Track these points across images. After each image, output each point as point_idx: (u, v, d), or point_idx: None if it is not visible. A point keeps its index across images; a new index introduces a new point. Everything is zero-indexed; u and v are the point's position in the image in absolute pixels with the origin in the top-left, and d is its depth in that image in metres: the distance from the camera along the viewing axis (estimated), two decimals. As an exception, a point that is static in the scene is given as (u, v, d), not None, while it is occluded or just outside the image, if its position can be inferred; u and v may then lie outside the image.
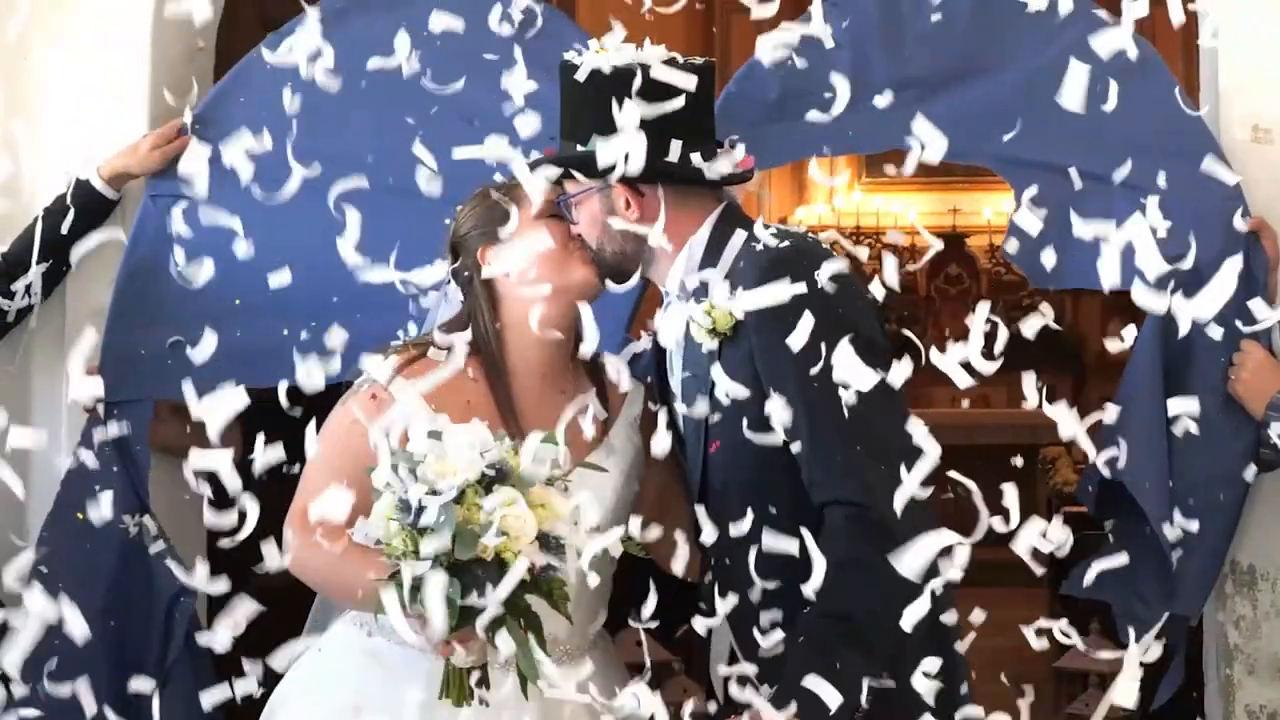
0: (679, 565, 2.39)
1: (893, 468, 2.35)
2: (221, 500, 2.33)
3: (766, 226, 2.54)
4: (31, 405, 3.30)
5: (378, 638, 2.59)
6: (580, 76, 2.52)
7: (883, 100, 3.01)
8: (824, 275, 2.40)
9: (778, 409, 2.38)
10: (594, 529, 2.32)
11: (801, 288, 2.37)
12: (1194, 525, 2.93)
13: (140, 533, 3.04)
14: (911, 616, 2.26)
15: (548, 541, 2.26)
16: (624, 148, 2.40)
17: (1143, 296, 2.46)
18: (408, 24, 2.86)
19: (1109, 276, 2.51)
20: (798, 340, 2.34)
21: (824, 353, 2.36)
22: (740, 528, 2.41)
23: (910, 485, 2.28)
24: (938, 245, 2.58)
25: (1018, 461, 2.45)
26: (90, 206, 3.10)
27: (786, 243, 2.48)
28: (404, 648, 2.50)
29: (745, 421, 2.44)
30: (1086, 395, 9.48)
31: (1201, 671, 3.27)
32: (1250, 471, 2.97)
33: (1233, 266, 2.49)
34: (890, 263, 2.35)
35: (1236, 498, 2.99)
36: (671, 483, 2.72)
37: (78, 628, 2.29)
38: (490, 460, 2.27)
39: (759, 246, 2.47)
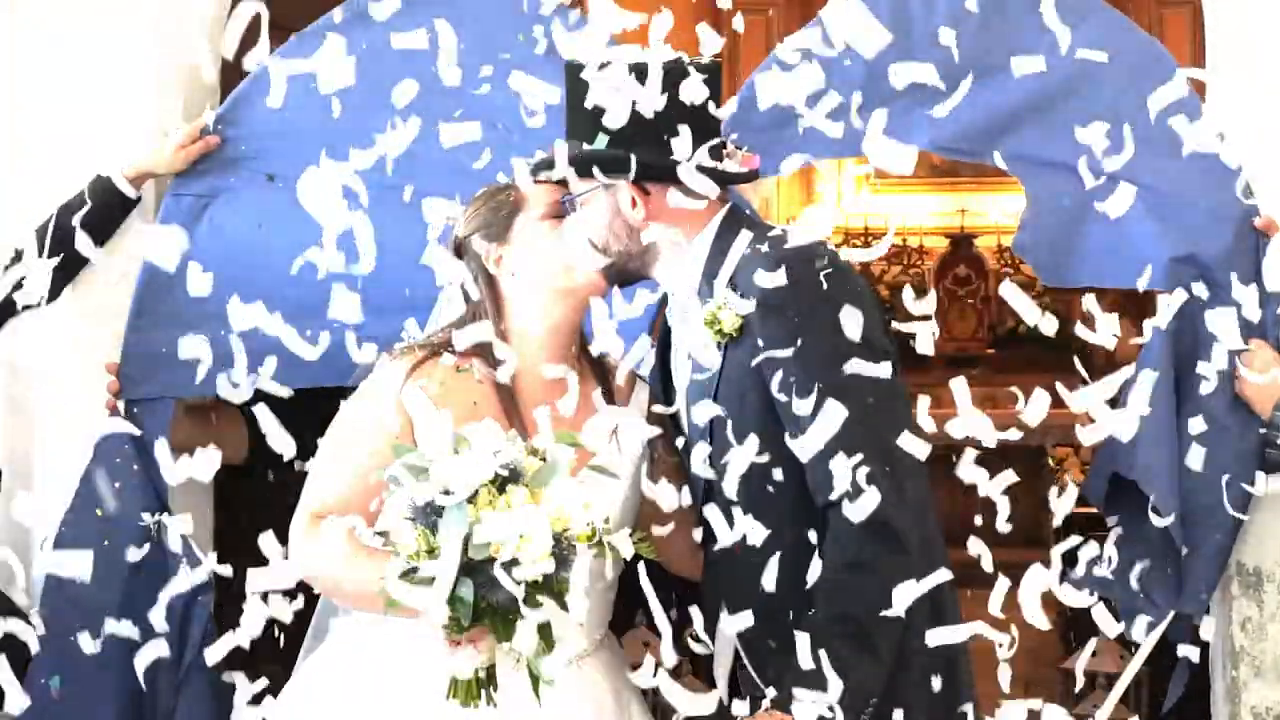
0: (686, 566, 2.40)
1: (897, 469, 2.36)
2: None
3: (771, 227, 2.54)
4: (38, 405, 3.31)
5: (383, 638, 2.60)
6: (586, 76, 2.52)
7: (893, 102, 3.00)
8: (828, 276, 2.40)
9: (784, 411, 2.39)
10: (605, 527, 2.33)
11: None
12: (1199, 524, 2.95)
13: (159, 531, 3.04)
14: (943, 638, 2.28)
15: (559, 542, 2.26)
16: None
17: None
18: (432, 27, 2.87)
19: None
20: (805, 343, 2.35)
21: (829, 355, 2.37)
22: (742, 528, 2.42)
23: (922, 587, 2.31)
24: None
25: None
26: (111, 205, 3.11)
27: (792, 243, 2.47)
28: (410, 647, 2.50)
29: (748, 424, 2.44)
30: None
31: (1206, 673, 3.27)
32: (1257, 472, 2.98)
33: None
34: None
35: (1242, 498, 2.99)
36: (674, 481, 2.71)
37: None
38: (503, 461, 2.27)
39: (764, 247, 2.47)
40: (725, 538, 2.42)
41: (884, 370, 2.37)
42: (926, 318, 2.43)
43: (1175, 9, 8.66)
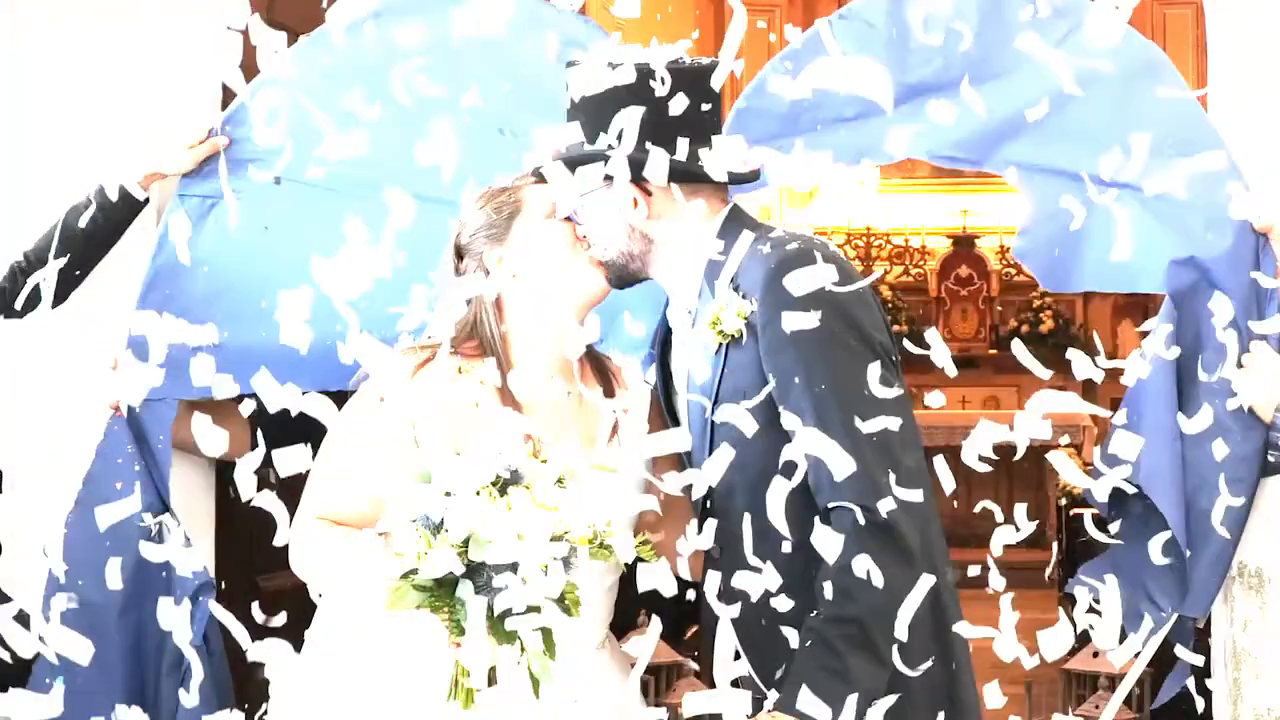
0: (681, 565, 2.40)
1: (900, 473, 2.36)
2: None
3: (772, 228, 2.54)
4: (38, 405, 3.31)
5: (383, 638, 2.59)
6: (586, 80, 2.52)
7: (893, 111, 3.00)
8: (834, 285, 2.40)
9: (787, 413, 2.39)
10: (606, 530, 2.32)
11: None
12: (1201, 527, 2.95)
13: (161, 531, 3.04)
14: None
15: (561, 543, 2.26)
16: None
17: None
18: (437, 33, 2.87)
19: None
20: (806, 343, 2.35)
21: (831, 356, 2.37)
22: (744, 528, 2.42)
23: (907, 614, 2.32)
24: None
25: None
26: (119, 207, 3.11)
27: (794, 244, 2.47)
28: (410, 647, 2.50)
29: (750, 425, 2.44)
30: (1096, 396, 9.48)
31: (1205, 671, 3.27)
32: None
33: None
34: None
35: (1244, 500, 2.99)
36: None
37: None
38: (505, 463, 2.27)
39: (766, 248, 2.47)
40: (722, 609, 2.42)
41: (886, 370, 2.37)
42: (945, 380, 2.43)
43: (1176, 9, 8.66)
